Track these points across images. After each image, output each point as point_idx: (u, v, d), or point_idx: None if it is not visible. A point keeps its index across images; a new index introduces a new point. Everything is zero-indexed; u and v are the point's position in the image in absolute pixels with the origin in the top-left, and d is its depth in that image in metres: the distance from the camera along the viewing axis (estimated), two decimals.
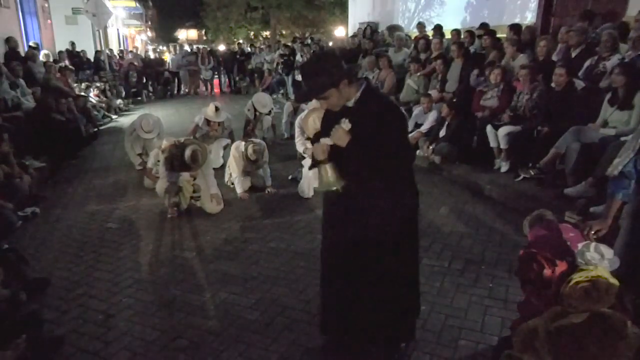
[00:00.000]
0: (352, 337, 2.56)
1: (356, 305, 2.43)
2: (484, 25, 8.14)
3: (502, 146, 5.49)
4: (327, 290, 2.58)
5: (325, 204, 2.54)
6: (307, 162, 5.33)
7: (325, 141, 2.29)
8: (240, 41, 21.51)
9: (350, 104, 2.26)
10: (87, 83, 11.51)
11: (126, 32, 29.81)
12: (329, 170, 2.29)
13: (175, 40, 38.90)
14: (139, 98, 14.13)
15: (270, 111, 7.64)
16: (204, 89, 15.74)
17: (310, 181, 5.27)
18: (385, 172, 2.24)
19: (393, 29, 11.39)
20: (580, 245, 2.10)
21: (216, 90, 16.00)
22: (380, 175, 2.24)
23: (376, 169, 2.22)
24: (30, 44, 11.20)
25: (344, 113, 2.26)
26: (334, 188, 2.30)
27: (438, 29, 9.35)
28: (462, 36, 8.20)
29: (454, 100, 6.65)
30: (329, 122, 2.37)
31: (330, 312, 2.60)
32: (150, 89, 15.21)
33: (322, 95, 2.20)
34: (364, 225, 2.30)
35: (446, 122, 6.32)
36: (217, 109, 6.08)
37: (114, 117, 11.26)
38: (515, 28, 7.06)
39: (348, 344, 2.61)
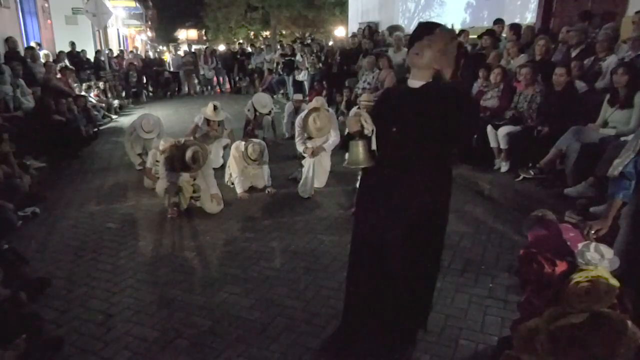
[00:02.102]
0: (373, 327, 2.54)
1: (383, 295, 2.42)
2: (499, 21, 7.99)
3: (502, 146, 5.49)
4: (354, 279, 2.55)
5: (364, 190, 2.49)
6: (307, 162, 5.34)
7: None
8: (241, 41, 21.52)
9: (418, 85, 2.24)
10: (87, 83, 11.49)
11: (126, 32, 29.79)
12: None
13: (175, 40, 38.92)
14: (139, 98, 14.14)
15: (270, 111, 7.64)
16: (204, 88, 15.74)
17: (310, 181, 5.27)
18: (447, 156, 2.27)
19: (394, 29, 11.40)
20: (580, 245, 2.10)
21: (216, 89, 16.01)
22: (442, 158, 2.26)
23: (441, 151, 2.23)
24: (31, 44, 11.21)
25: (409, 94, 2.26)
26: (362, 167, 2.28)
27: None
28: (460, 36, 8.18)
29: None
30: (386, 102, 2.41)
31: (355, 300, 2.58)
32: (150, 89, 15.22)
33: (432, 41, 2.17)
34: (409, 210, 2.27)
35: None
36: (215, 107, 6.07)
37: (114, 117, 11.25)
38: (514, 28, 7.06)
39: (349, 342, 2.61)
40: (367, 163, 2.26)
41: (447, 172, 2.35)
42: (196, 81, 15.67)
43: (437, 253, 2.45)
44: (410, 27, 11.95)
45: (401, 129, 2.22)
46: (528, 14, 8.48)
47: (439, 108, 2.12)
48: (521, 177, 5.20)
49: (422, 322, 2.64)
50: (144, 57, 16.85)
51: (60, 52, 12.03)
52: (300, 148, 5.58)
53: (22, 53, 9.76)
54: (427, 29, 2.24)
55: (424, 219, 2.28)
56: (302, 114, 5.46)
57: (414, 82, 2.27)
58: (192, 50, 16.41)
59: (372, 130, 2.24)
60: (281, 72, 13.47)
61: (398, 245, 2.31)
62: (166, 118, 9.42)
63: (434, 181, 2.27)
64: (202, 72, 15.32)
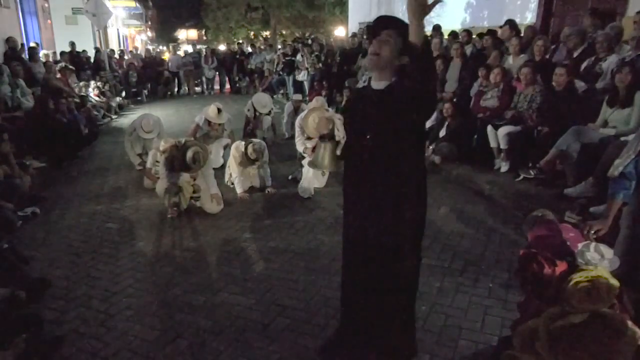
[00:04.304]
0: (369, 329, 2.52)
1: (376, 298, 2.39)
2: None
3: (502, 146, 5.49)
4: (347, 281, 2.54)
5: (344, 195, 2.45)
6: (307, 162, 5.34)
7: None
8: (240, 41, 21.52)
9: (382, 86, 2.20)
10: (84, 82, 11.47)
11: (126, 32, 29.83)
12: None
13: (175, 40, 38.91)
14: (139, 98, 14.14)
15: (270, 111, 7.64)
16: (204, 87, 15.75)
17: (310, 181, 5.27)
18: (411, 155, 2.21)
19: None
20: (580, 245, 2.10)
21: (216, 90, 16.03)
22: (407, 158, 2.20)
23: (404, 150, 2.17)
24: (31, 44, 11.21)
25: (373, 96, 2.21)
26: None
27: (437, 29, 9.36)
28: (459, 37, 8.22)
29: (454, 100, 6.66)
30: (354, 105, 2.36)
31: (350, 302, 2.57)
32: (150, 88, 15.23)
33: (390, 31, 2.15)
34: (382, 216, 2.24)
35: (446, 122, 6.33)
36: (219, 110, 6.04)
37: (114, 117, 11.26)
38: (515, 27, 7.05)
39: (348, 345, 2.61)
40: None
41: (421, 173, 2.31)
42: (197, 80, 15.68)
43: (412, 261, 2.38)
44: None
45: (374, 135, 2.16)
46: (528, 14, 8.47)
47: (405, 110, 2.08)
48: (521, 177, 5.20)
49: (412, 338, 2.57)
50: (144, 56, 16.81)
51: (62, 52, 12.04)
52: (300, 148, 5.58)
53: (24, 53, 9.77)
54: (384, 24, 2.20)
55: (400, 221, 2.24)
56: (302, 114, 5.46)
57: (378, 84, 2.22)
58: (197, 48, 16.42)
59: (343, 137, 2.18)
60: (281, 72, 13.48)
61: (379, 248, 2.28)
62: (166, 118, 9.42)
63: (407, 183, 2.23)
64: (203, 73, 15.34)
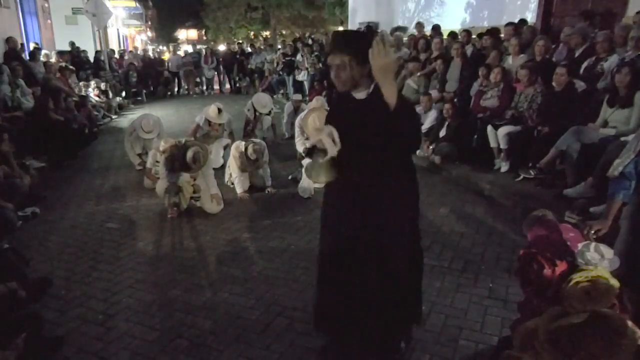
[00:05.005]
0: (351, 337, 2.55)
1: (357, 305, 2.41)
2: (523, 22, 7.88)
3: (502, 146, 5.49)
4: (326, 289, 2.56)
5: (327, 200, 2.48)
6: (307, 162, 5.33)
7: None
8: (240, 41, 21.53)
9: (363, 96, 2.22)
10: (84, 82, 11.47)
11: (126, 32, 29.83)
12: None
13: (175, 40, 38.93)
14: (139, 98, 14.14)
15: (270, 111, 7.64)
16: (204, 87, 15.76)
17: (310, 181, 5.27)
18: (394, 162, 2.23)
19: (399, 29, 11.40)
20: (580, 245, 2.10)
21: (216, 90, 16.03)
22: (390, 165, 2.22)
23: (387, 159, 2.20)
24: (31, 45, 11.22)
25: (356, 105, 2.23)
26: (321, 183, 2.25)
27: (436, 28, 9.36)
28: (459, 37, 8.23)
29: (454, 100, 6.66)
30: (337, 113, 2.37)
31: (328, 310, 2.58)
32: (151, 88, 15.23)
33: (344, 56, 2.13)
34: (371, 220, 2.26)
35: (446, 122, 6.32)
36: (219, 110, 6.04)
37: (114, 117, 11.26)
38: (515, 27, 7.05)
39: (348, 344, 2.61)
40: (326, 180, 2.24)
41: (410, 176, 2.33)
42: (198, 80, 15.69)
43: (414, 253, 2.42)
44: (411, 27, 11.97)
45: (359, 142, 2.18)
46: (528, 14, 8.47)
47: (386, 119, 2.08)
48: (521, 177, 5.20)
49: (414, 319, 2.61)
50: (143, 56, 16.82)
51: (63, 52, 12.03)
52: (300, 148, 5.58)
53: (23, 53, 9.76)
54: (337, 46, 2.19)
55: (390, 224, 2.27)
56: (302, 114, 5.46)
57: (358, 94, 2.23)
58: (197, 48, 16.44)
59: (337, 146, 2.18)
60: (281, 72, 13.48)
61: (369, 254, 2.29)
62: (166, 118, 9.43)
63: (395, 187, 2.25)
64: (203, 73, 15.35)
